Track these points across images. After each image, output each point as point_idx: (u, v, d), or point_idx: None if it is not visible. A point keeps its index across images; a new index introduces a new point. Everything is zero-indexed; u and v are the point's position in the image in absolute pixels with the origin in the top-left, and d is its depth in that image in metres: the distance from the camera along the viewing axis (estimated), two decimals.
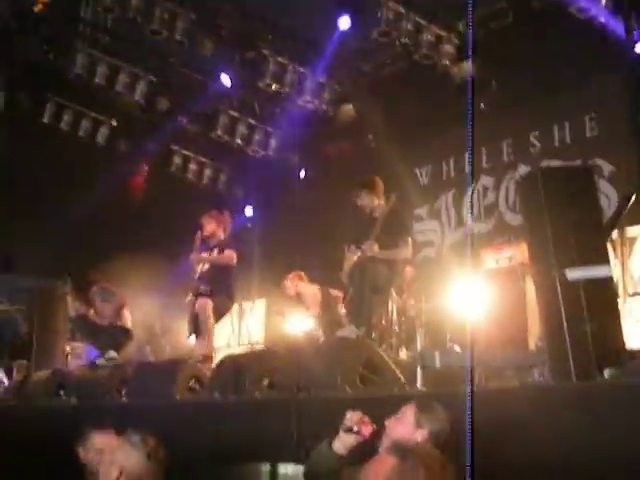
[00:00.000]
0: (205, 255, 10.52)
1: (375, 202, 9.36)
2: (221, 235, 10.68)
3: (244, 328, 16.58)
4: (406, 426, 4.63)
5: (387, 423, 4.72)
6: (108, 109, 16.90)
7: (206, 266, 10.56)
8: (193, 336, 10.38)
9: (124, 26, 14.62)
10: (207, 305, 9.96)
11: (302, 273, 11.60)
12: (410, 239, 9.23)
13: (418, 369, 5.83)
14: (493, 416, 4.70)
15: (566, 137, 13.21)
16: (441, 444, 4.43)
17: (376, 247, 8.80)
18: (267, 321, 16.11)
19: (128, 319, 11.51)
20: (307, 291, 11.35)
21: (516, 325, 9.56)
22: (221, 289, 10.27)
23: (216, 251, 10.56)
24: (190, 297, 10.33)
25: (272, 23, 14.64)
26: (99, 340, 11.59)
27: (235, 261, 10.39)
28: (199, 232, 10.72)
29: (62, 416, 9.30)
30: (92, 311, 11.60)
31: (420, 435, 4.58)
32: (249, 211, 19.08)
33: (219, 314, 10.32)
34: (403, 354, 10.75)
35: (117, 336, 11.43)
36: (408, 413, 4.70)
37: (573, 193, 5.93)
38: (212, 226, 10.67)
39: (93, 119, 16.87)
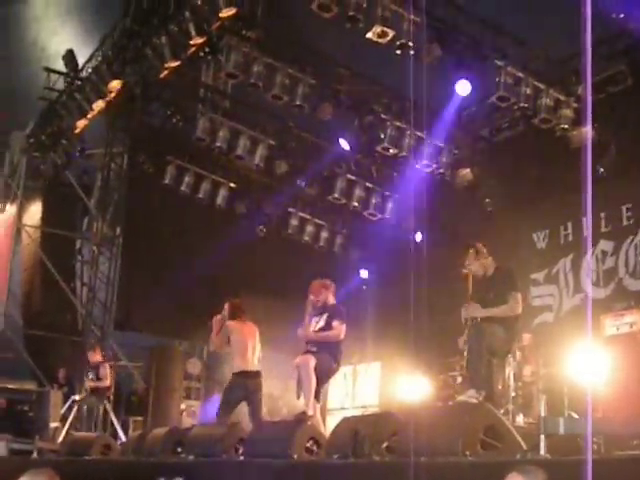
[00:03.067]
0: (313, 333, 10.35)
1: (482, 264, 9.18)
2: (330, 300, 10.58)
3: (358, 390, 16.56)
4: None
5: None
6: (228, 172, 17.24)
7: (316, 328, 10.46)
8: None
9: (244, 90, 14.91)
10: (308, 361, 9.85)
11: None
12: (519, 295, 9.02)
13: (541, 436, 5.75)
14: None
15: None
16: None
17: (474, 306, 8.68)
18: (382, 384, 16.06)
19: None
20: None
21: (637, 392, 9.37)
22: (327, 349, 10.18)
23: (325, 317, 10.40)
24: (297, 359, 10.27)
25: (390, 88, 14.79)
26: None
27: (343, 335, 10.24)
28: (310, 299, 10.61)
29: (180, 473, 9.36)
30: None
31: None
32: (364, 274, 19.19)
33: (323, 374, 10.19)
34: (520, 420, 10.62)
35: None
36: None
37: None
38: (321, 296, 10.57)
39: (213, 181, 17.23)
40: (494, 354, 8.66)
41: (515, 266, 9.79)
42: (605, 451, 6.52)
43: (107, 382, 14.83)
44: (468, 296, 8.78)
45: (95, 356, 15.01)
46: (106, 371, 14.86)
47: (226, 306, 11.64)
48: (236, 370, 11.31)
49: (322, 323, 10.24)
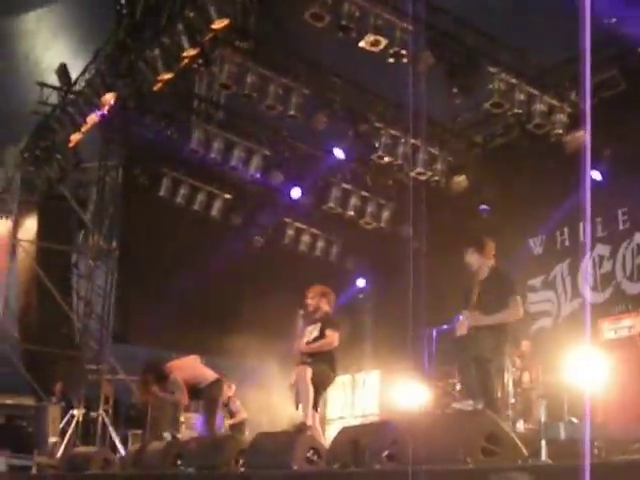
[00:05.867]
0: (306, 345, 10.30)
1: (481, 263, 8.97)
2: (325, 308, 10.55)
3: (357, 400, 16.52)
4: None
5: None
6: (223, 183, 17.23)
7: (310, 338, 10.42)
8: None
9: (238, 101, 14.91)
10: (305, 372, 9.82)
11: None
12: (519, 298, 8.84)
13: (542, 441, 5.72)
14: None
15: None
16: None
17: (474, 315, 8.52)
18: (381, 392, 16.02)
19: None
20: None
21: (637, 396, 9.36)
22: (322, 359, 10.15)
23: (319, 326, 10.37)
24: (294, 371, 10.23)
25: (384, 96, 14.79)
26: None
27: (337, 343, 10.21)
28: (300, 313, 10.61)
29: None
30: None
31: None
32: (361, 282, 19.17)
33: (320, 384, 10.17)
34: (520, 426, 10.60)
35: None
36: None
37: None
38: (315, 301, 10.55)
39: (208, 193, 17.23)
40: (489, 361, 8.54)
41: (512, 272, 9.73)
42: (605, 455, 6.50)
43: (242, 415, 14.75)
44: (472, 304, 8.62)
45: (228, 391, 14.42)
46: (237, 406, 14.74)
47: (150, 377, 11.92)
48: (211, 379, 11.85)
49: (316, 332, 10.23)
